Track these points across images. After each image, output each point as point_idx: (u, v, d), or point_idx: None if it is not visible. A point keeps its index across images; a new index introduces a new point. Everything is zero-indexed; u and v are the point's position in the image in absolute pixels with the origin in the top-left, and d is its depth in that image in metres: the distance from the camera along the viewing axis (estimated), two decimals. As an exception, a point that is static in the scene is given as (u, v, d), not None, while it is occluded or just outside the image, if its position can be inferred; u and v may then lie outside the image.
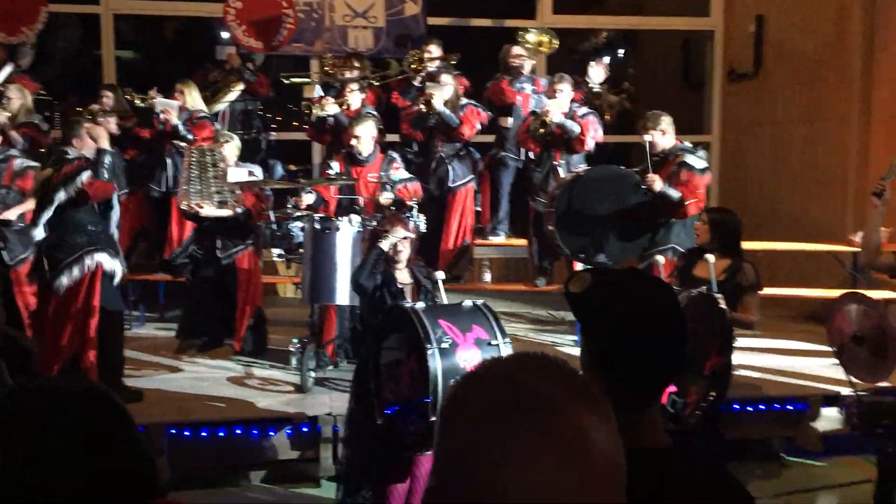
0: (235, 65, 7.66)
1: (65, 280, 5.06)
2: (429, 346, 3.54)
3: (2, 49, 7.42)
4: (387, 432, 3.76)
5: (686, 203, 5.80)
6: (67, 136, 5.21)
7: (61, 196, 4.97)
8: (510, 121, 7.38)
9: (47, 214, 5.03)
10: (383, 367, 3.81)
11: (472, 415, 0.92)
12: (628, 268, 5.37)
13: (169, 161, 7.04)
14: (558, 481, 0.87)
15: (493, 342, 3.73)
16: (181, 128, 6.91)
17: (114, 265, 5.21)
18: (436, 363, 3.52)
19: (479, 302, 3.96)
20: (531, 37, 7.58)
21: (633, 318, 1.48)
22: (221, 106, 7.69)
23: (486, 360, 1.01)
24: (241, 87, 7.65)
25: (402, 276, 4.42)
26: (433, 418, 3.50)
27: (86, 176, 5.00)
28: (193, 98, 7.17)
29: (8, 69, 7.34)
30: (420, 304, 3.85)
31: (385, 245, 4.36)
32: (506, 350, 3.74)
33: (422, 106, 6.76)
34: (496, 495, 0.87)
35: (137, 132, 7.23)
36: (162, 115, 6.91)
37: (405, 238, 4.39)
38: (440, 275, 4.40)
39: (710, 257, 4.36)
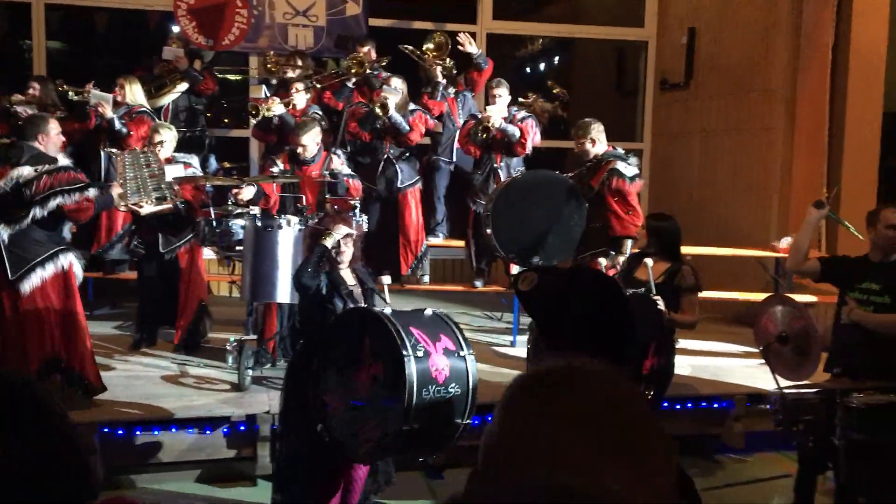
0: (182, 67, 7.52)
1: (35, 279, 4.83)
2: (406, 353, 3.50)
3: None
4: (330, 438, 3.72)
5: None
6: (30, 132, 4.94)
7: (59, 201, 4.76)
8: (440, 126, 7.54)
9: (37, 213, 4.79)
10: (330, 372, 3.76)
11: (534, 414, 0.93)
12: (572, 265, 5.53)
13: (102, 154, 6.89)
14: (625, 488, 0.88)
15: (461, 353, 3.75)
16: (116, 122, 6.78)
17: (79, 266, 5.08)
18: (412, 371, 3.48)
19: (440, 311, 3.95)
20: (430, 45, 7.65)
21: (580, 307, 1.57)
22: (164, 101, 7.55)
23: (547, 364, 1.03)
24: (185, 85, 7.53)
25: (347, 277, 4.32)
26: (405, 427, 3.47)
27: (92, 193, 4.88)
28: (134, 93, 7.03)
29: None
30: (388, 310, 3.78)
31: (328, 243, 4.29)
32: (471, 361, 3.75)
33: (378, 110, 6.80)
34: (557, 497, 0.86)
35: (69, 125, 7.04)
36: (98, 109, 6.76)
37: (348, 236, 4.33)
38: (386, 279, 4.39)
39: (649, 261, 4.53)
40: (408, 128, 6.95)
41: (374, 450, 3.67)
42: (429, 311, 3.93)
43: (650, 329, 4.11)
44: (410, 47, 7.67)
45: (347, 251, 4.31)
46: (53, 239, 4.95)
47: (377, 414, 3.59)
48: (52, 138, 4.97)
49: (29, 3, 8.17)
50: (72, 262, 4.98)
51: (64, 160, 4.96)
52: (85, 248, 7.19)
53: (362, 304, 4.14)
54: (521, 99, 7.80)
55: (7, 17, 8.60)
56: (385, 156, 7.09)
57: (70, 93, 7.08)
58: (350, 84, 7.50)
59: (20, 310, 4.84)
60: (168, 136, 6.09)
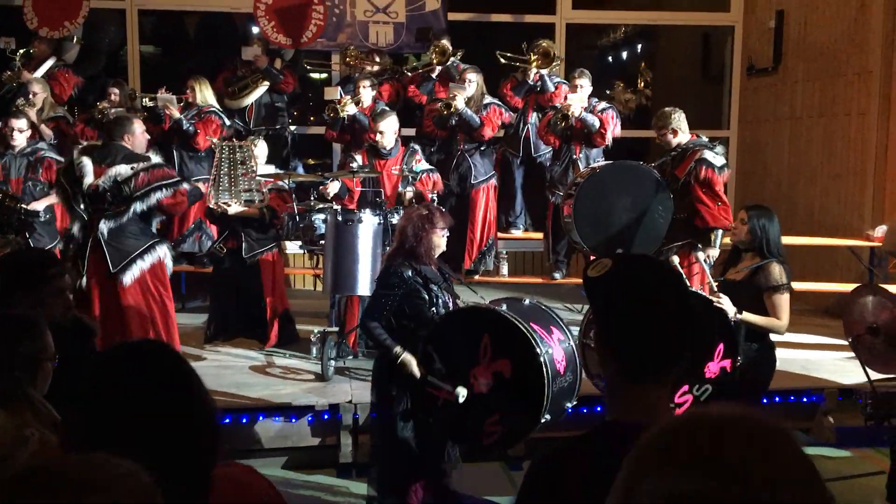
0: (262, 66, 7.75)
1: (135, 270, 5.16)
2: (539, 352, 3.58)
3: (46, 44, 7.58)
4: (444, 430, 3.84)
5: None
6: (117, 132, 5.23)
7: (159, 195, 5.09)
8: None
9: (137, 208, 5.12)
10: (436, 368, 3.79)
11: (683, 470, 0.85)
12: (643, 255, 5.34)
13: (175, 154, 7.18)
14: None
15: (569, 341, 3.86)
16: (184, 122, 7.05)
17: (170, 259, 5.41)
18: (548, 368, 3.57)
19: (534, 300, 4.03)
20: (534, 55, 7.17)
21: (636, 300, 1.57)
22: (248, 101, 7.79)
23: (690, 412, 0.96)
24: (266, 85, 7.75)
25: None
26: (542, 420, 3.59)
27: (185, 186, 5.20)
28: (204, 94, 7.31)
29: (50, 62, 7.52)
30: (504, 307, 3.83)
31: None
32: (575, 347, 3.84)
33: (443, 109, 6.84)
34: None
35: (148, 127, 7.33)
36: (165, 111, 7.05)
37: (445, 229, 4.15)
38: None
39: (675, 258, 4.45)
40: (479, 122, 6.95)
41: (502, 440, 3.76)
42: (527, 301, 4.01)
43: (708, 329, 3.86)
44: (510, 55, 7.30)
45: (442, 245, 4.15)
46: (146, 232, 5.28)
47: (504, 408, 3.65)
48: (137, 137, 5.25)
49: (123, 10, 8.54)
50: (166, 253, 5.31)
51: (156, 158, 5.26)
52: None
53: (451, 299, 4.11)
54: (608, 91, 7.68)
55: (121, 24, 8.99)
56: (459, 151, 7.12)
57: (146, 99, 7.42)
58: (434, 76, 7.57)
59: (122, 300, 5.15)
60: (260, 148, 6.28)
